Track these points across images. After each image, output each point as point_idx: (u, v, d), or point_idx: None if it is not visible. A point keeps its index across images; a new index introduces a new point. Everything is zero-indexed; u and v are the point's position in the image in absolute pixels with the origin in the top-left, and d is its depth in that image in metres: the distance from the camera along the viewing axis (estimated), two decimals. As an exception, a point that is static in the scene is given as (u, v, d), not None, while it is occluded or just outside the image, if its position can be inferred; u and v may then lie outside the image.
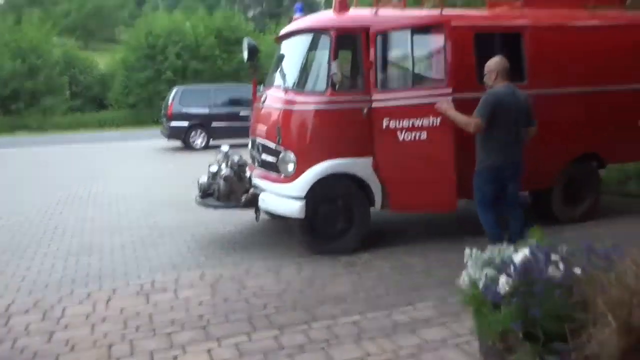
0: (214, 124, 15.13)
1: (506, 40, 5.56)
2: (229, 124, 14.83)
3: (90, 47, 45.95)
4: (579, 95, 5.75)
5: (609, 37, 5.88)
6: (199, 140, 15.25)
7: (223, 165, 5.71)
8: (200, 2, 48.84)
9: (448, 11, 5.46)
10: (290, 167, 5.12)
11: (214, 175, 5.72)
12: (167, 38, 27.02)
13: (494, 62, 4.58)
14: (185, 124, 14.99)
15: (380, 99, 4.99)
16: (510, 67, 5.51)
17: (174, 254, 5.37)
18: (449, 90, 4.76)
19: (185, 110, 15.01)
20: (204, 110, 15.17)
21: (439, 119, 4.75)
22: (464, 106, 4.76)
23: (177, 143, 15.65)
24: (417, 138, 4.86)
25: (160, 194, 8.66)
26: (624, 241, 2.57)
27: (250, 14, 51.39)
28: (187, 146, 15.20)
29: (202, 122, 15.13)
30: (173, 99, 15.21)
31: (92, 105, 29.84)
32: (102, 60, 33.14)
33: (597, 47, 5.79)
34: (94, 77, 31.20)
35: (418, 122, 4.83)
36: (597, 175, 6.19)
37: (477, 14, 5.97)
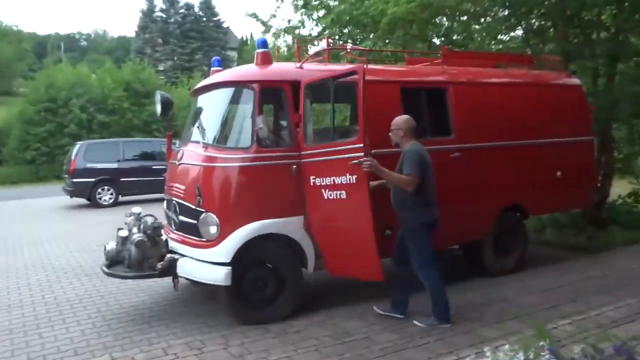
0: (123, 178, 14.28)
1: (430, 96, 5.54)
2: (140, 179, 14.17)
3: (-16, 100, 42.67)
4: (502, 148, 5.84)
5: (526, 94, 6.10)
6: (106, 196, 14.23)
7: (135, 229, 5.11)
8: (107, 56, 47.45)
9: (372, 66, 5.38)
10: (213, 229, 4.64)
11: (123, 241, 5.09)
12: (70, 91, 25.58)
13: (403, 120, 4.50)
14: (90, 179, 13.99)
15: (308, 154, 4.71)
16: (435, 122, 5.54)
17: (75, 335, 4.61)
18: (360, 145, 4.28)
19: (90, 165, 14.06)
20: (112, 165, 14.31)
21: (354, 177, 4.33)
22: (384, 164, 4.56)
23: (82, 200, 14.49)
24: (338, 197, 4.51)
25: (60, 260, 7.70)
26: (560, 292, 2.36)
27: (161, 67, 50.50)
28: (94, 203, 14.10)
29: (110, 177, 14.23)
30: (76, 155, 14.15)
31: (-16, 161, 27.29)
32: (-3, 114, 30.70)
33: (516, 103, 5.98)
34: (-13, 131, 28.65)
35: (338, 180, 4.49)
36: (523, 226, 6.26)
37: (402, 69, 5.95)
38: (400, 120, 4.51)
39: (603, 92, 8.01)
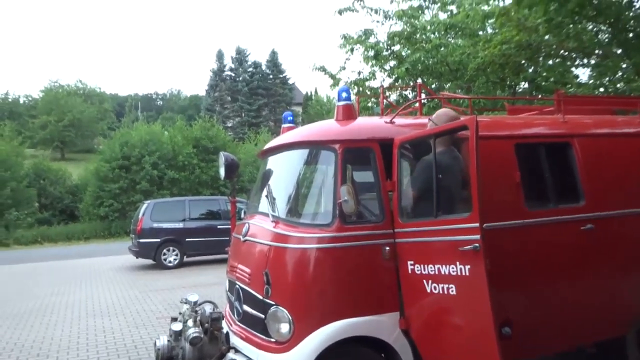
0: (189, 238, 13.78)
1: (551, 152, 4.35)
2: (205, 239, 13.64)
3: (67, 157, 45.02)
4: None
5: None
6: (171, 257, 13.71)
7: (190, 322, 4.17)
8: (180, 114, 49.24)
9: (482, 117, 4.30)
10: (284, 328, 3.60)
11: (177, 336, 4.15)
12: (143, 148, 26.13)
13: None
14: (156, 240, 13.55)
15: (404, 233, 3.63)
16: (558, 185, 4.33)
17: None
18: (475, 225, 3.14)
19: (156, 225, 13.68)
20: (178, 225, 13.88)
21: (467, 267, 3.20)
22: (510, 238, 3.56)
23: (148, 261, 14.05)
24: (445, 291, 3.37)
25: (115, 335, 6.89)
26: None
27: (230, 123, 51.74)
28: (159, 264, 13.60)
29: (175, 238, 13.74)
30: (144, 214, 13.85)
31: (62, 216, 28.13)
32: (76, 171, 31.95)
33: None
34: (66, 187, 29.74)
35: (444, 269, 3.35)
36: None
37: (514, 121, 4.81)
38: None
39: None
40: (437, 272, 3.41)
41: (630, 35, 6.97)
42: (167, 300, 9.13)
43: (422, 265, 3.51)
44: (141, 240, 13.59)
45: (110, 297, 9.96)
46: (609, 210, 4.35)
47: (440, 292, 3.40)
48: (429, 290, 3.47)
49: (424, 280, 3.49)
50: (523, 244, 3.97)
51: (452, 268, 3.31)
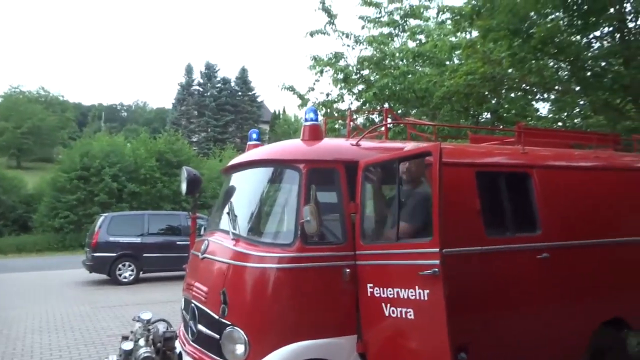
0: (146, 254, 13.38)
1: (510, 182, 4.45)
2: (163, 255, 13.28)
3: (24, 166, 43.49)
4: (599, 247, 4.64)
5: (623, 179, 4.99)
6: (127, 273, 13.29)
7: (141, 341, 4.02)
8: (145, 127, 48.42)
9: (445, 144, 4.37)
10: (240, 349, 3.53)
11: (127, 355, 3.98)
12: (104, 159, 25.44)
13: None
14: (111, 254, 13.11)
15: (365, 255, 3.63)
16: (517, 213, 4.43)
17: None
18: (435, 250, 3.16)
19: (112, 239, 13.25)
20: (135, 240, 13.48)
21: (426, 292, 3.22)
22: (470, 264, 3.62)
23: (102, 276, 13.52)
24: (403, 315, 3.38)
25: (62, 353, 6.58)
26: None
27: (195, 138, 51.17)
28: (113, 280, 13.15)
29: (131, 253, 13.33)
30: (100, 227, 13.40)
31: (14, 227, 26.97)
32: (32, 180, 30.80)
33: (613, 191, 4.84)
34: (20, 197, 28.61)
35: (403, 293, 3.36)
36: (625, 345, 4.93)
37: (476, 149, 4.91)
38: None
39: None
40: (396, 296, 3.42)
41: (588, 73, 7.28)
42: (119, 318, 8.82)
43: (381, 289, 3.51)
44: (96, 254, 13.11)
45: (60, 312, 9.53)
46: (563, 240, 4.46)
47: (399, 315, 3.41)
48: (387, 314, 3.47)
49: (383, 304, 3.49)
50: (481, 270, 4.03)
51: (411, 292, 3.32)
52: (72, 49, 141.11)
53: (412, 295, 3.32)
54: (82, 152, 25.72)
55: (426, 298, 3.23)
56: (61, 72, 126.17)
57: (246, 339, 3.49)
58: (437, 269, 3.16)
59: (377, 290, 3.54)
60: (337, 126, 11.85)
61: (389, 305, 3.46)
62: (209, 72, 55.53)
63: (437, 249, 3.18)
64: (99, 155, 25.49)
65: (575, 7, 6.60)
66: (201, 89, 55.45)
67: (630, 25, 7.16)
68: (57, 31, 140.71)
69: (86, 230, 18.97)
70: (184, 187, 4.84)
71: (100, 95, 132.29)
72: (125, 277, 13.21)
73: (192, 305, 4.12)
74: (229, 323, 3.58)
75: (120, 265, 13.23)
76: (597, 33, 7.22)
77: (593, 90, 7.16)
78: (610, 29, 7.09)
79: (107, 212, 17.50)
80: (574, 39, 7.27)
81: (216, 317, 3.69)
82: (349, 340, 3.63)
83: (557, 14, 7.00)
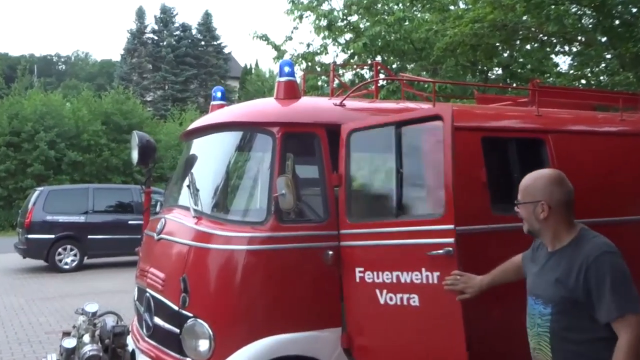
0: (91, 236, 13.51)
1: (522, 149, 4.53)
2: (111, 237, 13.43)
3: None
4: (626, 225, 4.76)
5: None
6: (68, 258, 13.39)
7: (86, 337, 4.10)
8: (87, 83, 47.73)
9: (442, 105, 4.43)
10: (204, 345, 3.60)
11: (69, 354, 4.07)
12: (38, 122, 25.20)
13: (546, 182, 2.60)
14: (49, 236, 13.17)
15: (353, 235, 3.70)
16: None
17: None
18: (450, 227, 3.27)
19: (50, 218, 13.29)
20: (78, 218, 13.57)
21: (436, 274, 3.32)
22: (473, 245, 3.62)
23: (39, 262, 13.64)
24: (405, 302, 3.47)
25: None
26: None
27: (149, 97, 50.68)
28: (52, 266, 13.26)
29: (73, 234, 13.43)
30: (34, 204, 13.39)
31: None
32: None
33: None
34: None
35: (405, 277, 3.45)
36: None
37: (483, 111, 4.97)
38: (541, 182, 2.62)
39: None
40: (395, 281, 3.50)
41: (617, 22, 7.37)
42: (59, 311, 8.96)
43: (374, 273, 3.58)
44: (30, 236, 13.12)
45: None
46: (584, 218, 4.57)
47: (398, 302, 3.49)
48: (382, 302, 3.55)
49: (377, 290, 3.57)
50: (485, 251, 4.12)
51: (416, 275, 3.41)
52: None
53: (417, 279, 3.40)
54: (11, 114, 25.50)
55: (436, 281, 3.32)
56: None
57: (211, 333, 3.56)
58: (451, 249, 3.24)
59: (368, 275, 3.61)
60: (319, 83, 11.86)
61: (384, 291, 3.54)
62: (165, 17, 54.62)
63: (452, 226, 3.27)
64: (31, 117, 25.31)
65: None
66: (156, 38, 54.62)
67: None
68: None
69: (18, 208, 18.92)
70: (135, 155, 4.85)
71: (32, 44, 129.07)
72: (66, 264, 13.32)
73: (147, 295, 4.18)
74: (191, 315, 3.64)
75: (60, 249, 13.31)
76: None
77: (621, 42, 7.26)
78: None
79: (43, 185, 17.43)
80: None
81: (175, 308, 3.75)
82: (332, 334, 3.71)
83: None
